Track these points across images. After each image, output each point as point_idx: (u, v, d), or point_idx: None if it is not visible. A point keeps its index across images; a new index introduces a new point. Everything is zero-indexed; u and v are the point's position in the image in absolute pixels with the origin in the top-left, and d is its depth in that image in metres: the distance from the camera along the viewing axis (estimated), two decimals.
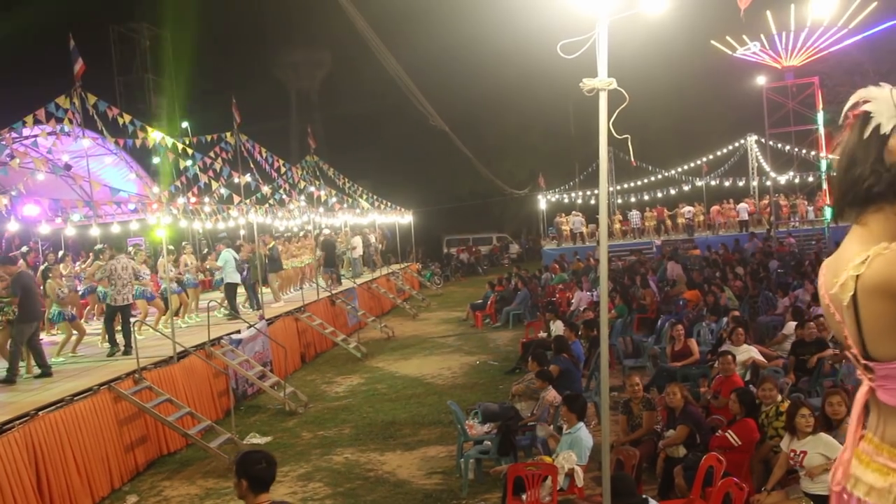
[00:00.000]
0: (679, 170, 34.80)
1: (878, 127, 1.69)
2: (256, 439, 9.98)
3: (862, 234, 1.71)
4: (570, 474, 6.55)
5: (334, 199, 24.21)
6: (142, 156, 18.81)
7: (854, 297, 1.64)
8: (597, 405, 9.38)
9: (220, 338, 11.99)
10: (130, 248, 14.95)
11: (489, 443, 8.02)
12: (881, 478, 1.76)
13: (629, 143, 4.51)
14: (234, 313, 14.30)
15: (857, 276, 1.63)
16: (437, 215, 39.43)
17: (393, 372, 14.18)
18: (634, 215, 33.65)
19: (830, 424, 6.04)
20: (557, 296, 18.02)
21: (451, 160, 32.93)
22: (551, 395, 8.19)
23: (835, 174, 1.78)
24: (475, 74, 38.07)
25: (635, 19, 5.48)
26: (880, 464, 1.78)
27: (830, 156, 27.94)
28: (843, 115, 1.81)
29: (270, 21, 45.18)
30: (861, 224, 1.72)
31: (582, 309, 15.14)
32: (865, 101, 1.74)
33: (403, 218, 31.57)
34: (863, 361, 1.73)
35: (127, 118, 13.78)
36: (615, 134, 4.46)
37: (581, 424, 6.88)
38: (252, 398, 12.26)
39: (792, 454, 6.01)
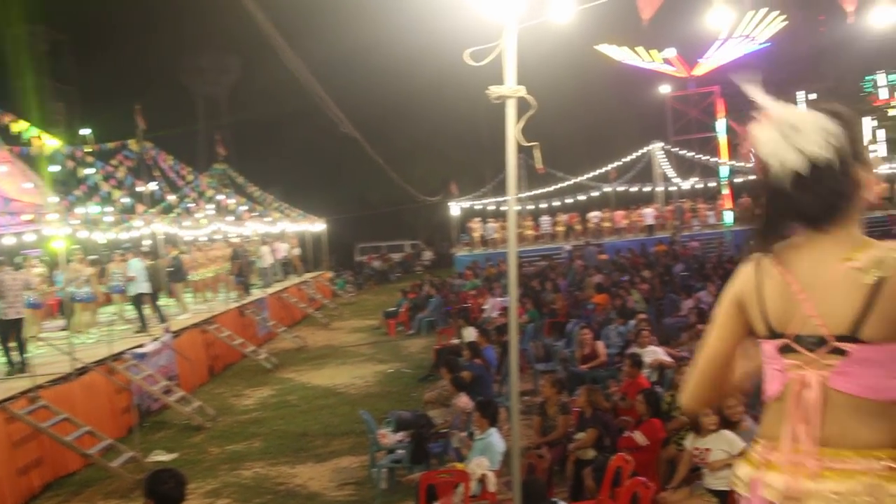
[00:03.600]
0: (588, 176, 35.53)
1: (792, 171, 1.81)
2: (161, 456, 9.64)
3: (835, 235, 1.82)
4: (483, 480, 6.55)
5: (244, 208, 23.73)
6: (38, 164, 18.00)
7: (882, 280, 1.71)
8: (509, 410, 9.43)
9: (123, 352, 11.54)
10: (19, 258, 14.22)
11: (402, 451, 7.96)
12: (842, 483, 1.75)
13: (537, 151, 4.54)
14: (143, 325, 13.81)
15: None
16: (349, 223, 39.12)
17: (304, 383, 13.96)
18: (545, 221, 34.18)
19: (730, 424, 6.22)
20: (470, 302, 18.11)
21: (362, 167, 32.70)
22: (463, 401, 8.19)
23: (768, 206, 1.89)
24: (386, 80, 37.97)
25: (543, 27, 5.56)
26: (835, 469, 1.77)
27: (732, 163, 29.06)
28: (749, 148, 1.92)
29: (175, 25, 44.02)
30: (823, 231, 1.83)
31: (494, 314, 15.25)
32: (759, 145, 1.87)
33: (315, 226, 31.20)
34: (835, 344, 1.76)
35: (23, 125, 13.14)
36: (523, 141, 4.48)
37: (493, 430, 6.91)
38: (157, 414, 11.85)
39: (696, 452, 6.18)
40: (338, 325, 21.87)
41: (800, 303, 1.81)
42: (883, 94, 30.29)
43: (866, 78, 29.85)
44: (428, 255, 41.83)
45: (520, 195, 34.45)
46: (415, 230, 44.70)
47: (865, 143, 1.88)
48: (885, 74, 30.14)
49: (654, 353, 9.48)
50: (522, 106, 4.53)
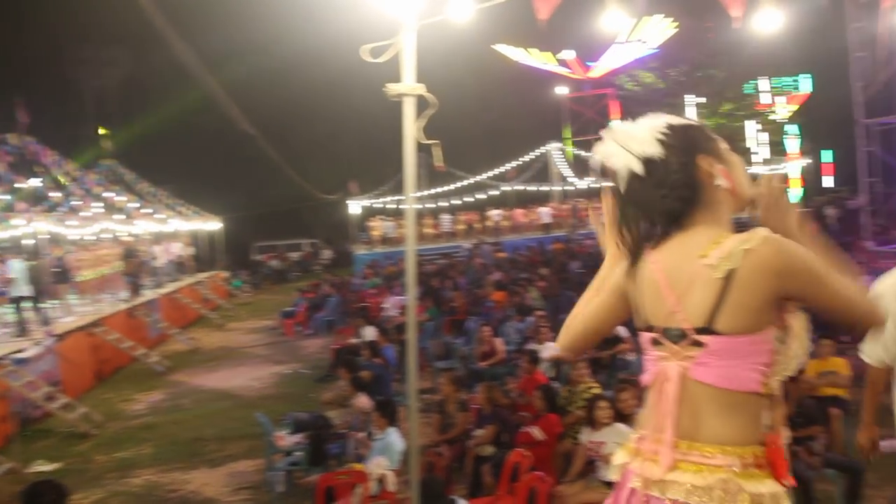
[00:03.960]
0: (487, 175, 35.92)
1: (635, 174, 1.92)
2: (43, 467, 9.16)
3: (698, 230, 1.90)
4: (382, 480, 6.51)
5: (134, 206, 22.86)
6: None
7: (732, 272, 1.78)
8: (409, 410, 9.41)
9: (1, 358, 10.92)
10: None
11: (300, 453, 7.83)
12: (698, 476, 1.80)
13: (437, 149, 4.53)
14: (22, 329, 13.10)
15: (748, 249, 1.78)
16: (245, 221, 38.22)
17: (198, 386, 13.56)
18: (445, 219, 34.37)
19: (624, 417, 6.38)
20: (369, 301, 18.01)
21: (259, 164, 32.06)
22: (362, 401, 8.12)
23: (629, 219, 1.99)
24: (283, 75, 37.30)
25: (442, 25, 5.55)
26: (693, 462, 1.82)
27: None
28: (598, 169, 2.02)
29: (62, 15, 41.99)
30: (686, 227, 1.91)
31: (394, 313, 15.21)
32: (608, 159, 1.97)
33: (209, 224, 30.36)
34: (695, 336, 1.82)
35: None
36: (424, 139, 4.46)
37: (392, 429, 6.87)
38: (39, 422, 11.25)
39: (591, 445, 6.32)
40: (234, 326, 21.36)
41: (665, 297, 1.89)
42: (765, 98, 31.73)
43: (750, 83, 31.19)
44: (327, 253, 41.35)
45: (420, 194, 34.68)
46: (314, 229, 44.11)
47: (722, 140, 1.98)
48: (767, 80, 31.60)
49: (552, 349, 9.63)
50: (422, 104, 4.51)
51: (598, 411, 6.37)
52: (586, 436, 6.45)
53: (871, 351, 3.51)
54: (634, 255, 1.97)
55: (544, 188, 35.65)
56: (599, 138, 2.04)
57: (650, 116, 1.97)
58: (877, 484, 6.36)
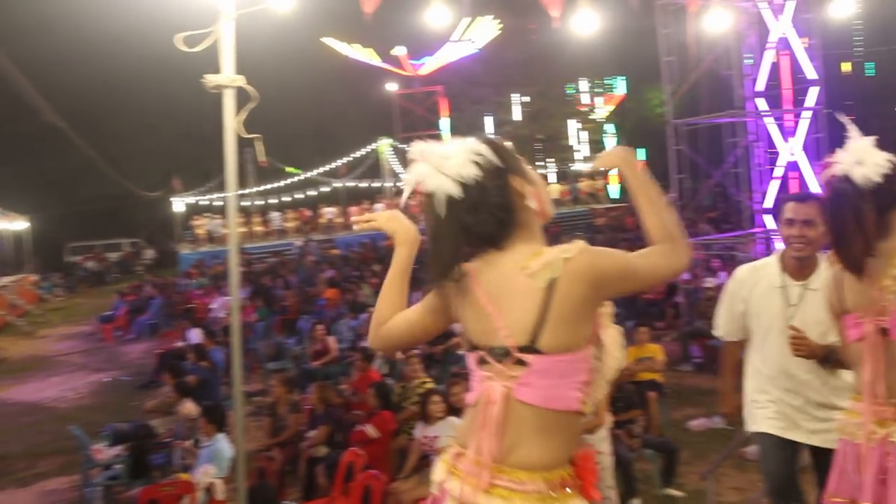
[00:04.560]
0: (318, 171, 35.46)
1: (450, 197, 1.89)
2: None
3: (514, 247, 1.90)
4: (210, 489, 6.23)
5: None
6: None
7: (553, 281, 1.79)
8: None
9: None
10: None
11: (120, 466, 7.37)
12: (509, 501, 1.79)
13: (259, 144, 4.36)
14: None
15: (567, 258, 1.81)
16: (57, 220, 35.57)
17: (3, 399, 12.48)
18: (275, 216, 33.62)
19: (456, 411, 6.46)
20: (196, 302, 17.29)
21: (72, 158, 29.92)
22: (188, 407, 7.76)
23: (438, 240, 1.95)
24: (98, 62, 34.94)
25: (265, 15, 5.36)
26: (504, 487, 1.81)
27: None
28: (410, 191, 2.00)
29: None
30: (503, 248, 1.91)
31: (222, 314, 14.67)
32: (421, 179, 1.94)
33: (14, 224, 28.08)
34: (517, 355, 1.80)
35: None
36: (244, 133, 4.28)
37: (221, 435, 6.60)
38: None
39: (425, 440, 6.35)
40: (45, 333, 19.85)
41: (489, 315, 1.86)
42: (585, 98, 33.32)
43: (570, 84, 32.64)
44: (149, 253, 39.29)
45: (248, 190, 33.73)
46: (134, 227, 41.74)
47: (527, 160, 2.03)
48: (586, 81, 33.16)
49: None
50: (245, 97, 4.33)
51: (432, 406, 6.41)
52: (420, 431, 6.48)
53: (725, 327, 3.72)
54: (450, 274, 1.92)
55: (376, 184, 35.68)
56: (428, 136, 2.01)
57: (460, 139, 1.96)
58: (689, 461, 6.81)
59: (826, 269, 3.50)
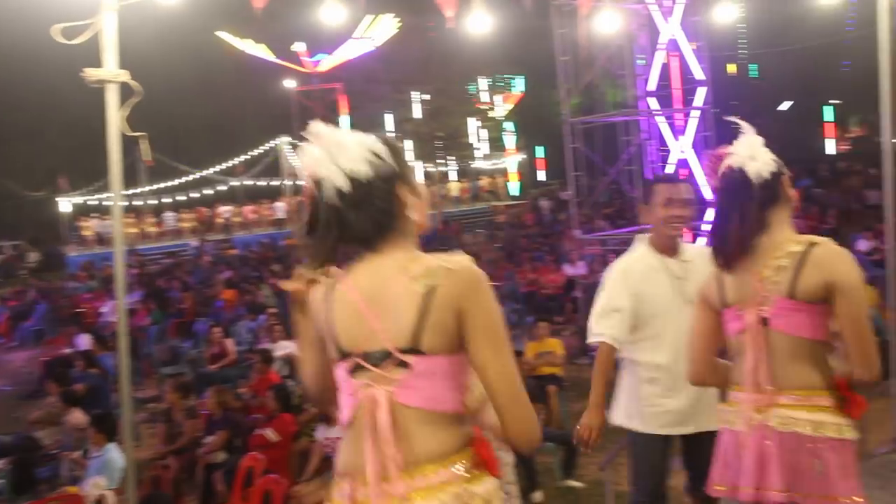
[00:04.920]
0: (214, 169, 34.57)
1: (338, 188, 1.83)
2: None
3: (390, 253, 1.86)
4: (101, 501, 5.97)
5: None
6: None
7: (433, 288, 1.76)
8: (132, 421, 8.77)
9: None
10: None
11: (2, 481, 6.99)
12: (432, 499, 1.75)
13: (144, 142, 4.19)
14: None
15: (450, 269, 1.78)
16: None
17: None
18: (170, 216, 32.61)
19: None
20: (84, 306, 16.56)
21: None
22: (76, 417, 7.43)
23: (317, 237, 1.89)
24: None
25: (151, 8, 5.15)
26: (421, 488, 1.76)
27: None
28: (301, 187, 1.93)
29: None
30: (378, 252, 1.86)
31: (113, 318, 14.11)
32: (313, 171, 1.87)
33: None
34: (399, 356, 1.76)
35: None
36: (128, 131, 4.10)
37: (111, 445, 6.32)
38: None
39: (327, 442, 6.26)
40: None
41: (366, 318, 1.81)
42: (484, 97, 33.68)
43: (470, 82, 32.92)
44: (34, 256, 37.37)
45: (139, 189, 32.56)
46: (17, 229, 39.66)
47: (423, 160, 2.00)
48: (485, 79, 33.51)
49: (286, 347, 9.45)
50: (130, 92, 4.14)
51: (332, 406, 6.32)
52: (322, 433, 6.40)
53: (611, 329, 3.43)
54: (319, 273, 1.87)
55: (275, 183, 35.06)
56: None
57: (360, 132, 1.91)
58: (589, 452, 6.94)
59: (691, 245, 3.63)
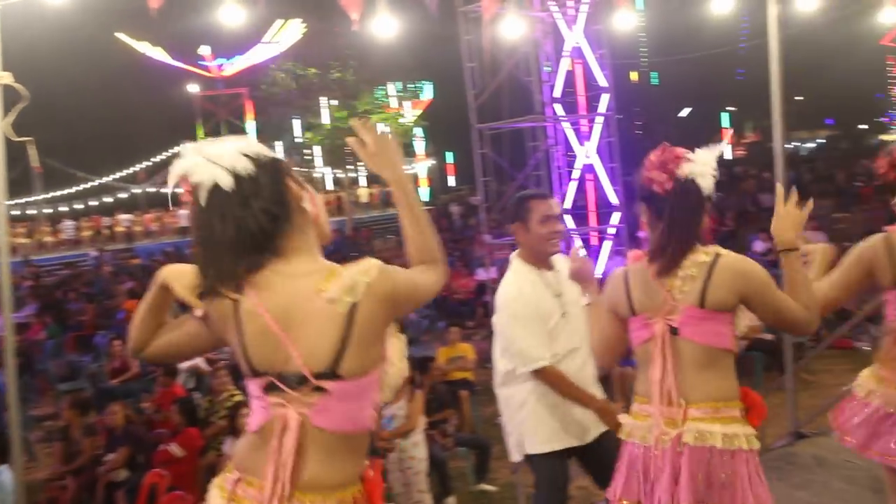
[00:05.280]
0: (114, 177, 33.43)
1: (221, 189, 1.76)
2: None
3: (299, 262, 1.80)
4: None
5: None
6: None
7: (354, 305, 1.73)
8: (27, 440, 8.36)
9: None
10: None
11: None
12: None
13: (32, 148, 3.99)
14: None
15: (369, 283, 1.75)
16: None
17: None
18: (68, 225, 31.32)
19: None
20: None
21: None
22: None
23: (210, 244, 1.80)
24: None
25: (38, 8, 4.91)
26: None
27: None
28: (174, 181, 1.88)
29: None
30: (280, 255, 1.79)
31: (2, 333, 13.42)
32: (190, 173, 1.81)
33: None
34: (316, 382, 1.71)
35: None
36: (13, 136, 3.89)
37: (3, 467, 6.00)
38: None
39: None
40: None
41: (280, 341, 1.75)
42: (393, 102, 33.62)
43: (379, 88, 32.79)
44: None
45: (35, 198, 31.17)
46: None
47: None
48: (394, 85, 33.46)
49: (191, 360, 9.18)
50: (15, 96, 3.93)
51: (242, 419, 6.16)
52: (230, 446, 6.22)
53: (545, 351, 3.35)
54: (229, 282, 1.78)
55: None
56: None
57: (234, 137, 1.87)
58: (501, 455, 6.96)
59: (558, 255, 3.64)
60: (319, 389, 1.74)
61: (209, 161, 1.78)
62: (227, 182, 1.76)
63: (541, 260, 3.46)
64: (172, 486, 5.80)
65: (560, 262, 3.54)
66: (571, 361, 3.38)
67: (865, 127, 43.27)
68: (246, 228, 1.76)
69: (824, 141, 47.62)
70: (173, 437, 6.64)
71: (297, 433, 1.74)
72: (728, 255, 2.35)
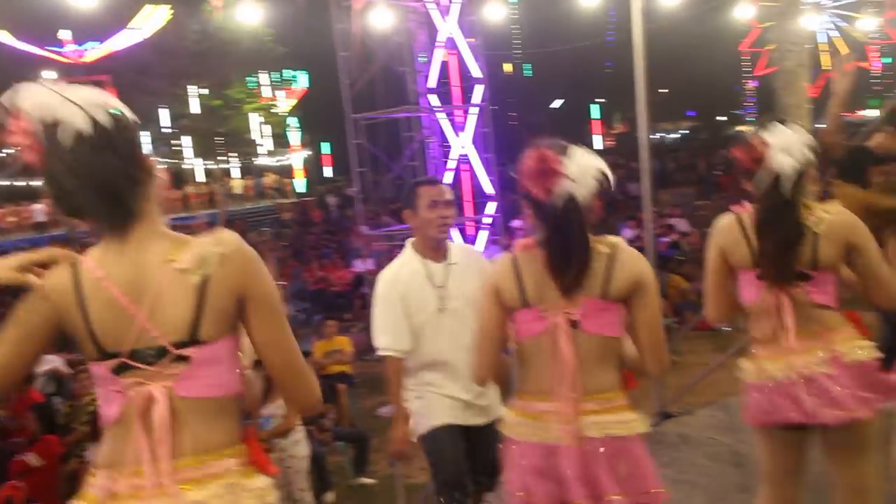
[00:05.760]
0: None
1: (79, 133, 1.62)
2: None
3: (144, 234, 1.70)
4: None
5: None
6: None
7: (207, 277, 1.67)
8: None
9: None
10: None
11: None
12: (202, 490, 1.68)
13: None
14: None
15: (223, 254, 1.68)
16: None
17: None
18: None
19: None
20: None
21: None
22: None
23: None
24: None
25: None
26: (190, 479, 1.68)
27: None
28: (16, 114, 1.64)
29: None
30: (124, 229, 1.68)
31: None
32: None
33: None
34: (177, 352, 1.65)
35: None
36: None
37: None
38: None
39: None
40: None
41: (131, 315, 1.66)
42: (266, 92, 32.89)
43: (251, 76, 31.99)
44: None
45: None
46: None
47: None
48: (267, 74, 32.72)
49: (49, 362, 8.65)
50: None
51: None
52: (94, 453, 5.90)
53: (394, 339, 3.42)
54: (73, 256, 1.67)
55: (35, 183, 32.22)
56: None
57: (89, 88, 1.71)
58: (381, 447, 6.95)
59: (457, 245, 3.64)
60: (180, 359, 1.68)
61: (67, 100, 1.62)
62: (84, 126, 1.62)
63: (431, 247, 3.46)
64: (30, 498, 5.50)
65: (459, 253, 3.54)
66: (464, 357, 3.36)
67: (724, 119, 45.60)
68: (97, 177, 1.64)
69: (687, 132, 49.94)
70: (30, 446, 6.25)
71: (165, 404, 1.67)
72: (623, 246, 2.34)
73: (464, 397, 3.42)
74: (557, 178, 2.23)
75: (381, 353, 3.47)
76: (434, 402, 3.45)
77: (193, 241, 1.72)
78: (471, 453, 3.51)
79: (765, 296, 2.64)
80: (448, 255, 3.50)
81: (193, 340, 1.68)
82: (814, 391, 2.54)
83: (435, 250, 3.47)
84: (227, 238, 1.74)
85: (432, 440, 3.47)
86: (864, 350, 2.60)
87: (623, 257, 2.32)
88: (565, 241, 2.27)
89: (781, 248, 2.61)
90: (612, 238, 2.38)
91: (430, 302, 3.42)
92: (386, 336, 3.43)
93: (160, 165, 1.81)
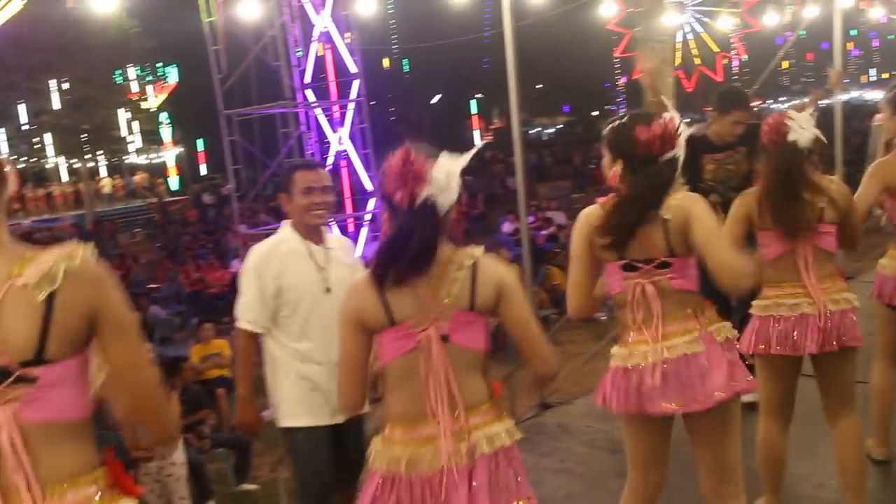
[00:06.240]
0: None
1: None
2: None
3: None
4: None
5: None
6: None
7: (53, 293, 1.56)
8: None
9: None
10: None
11: None
12: None
13: None
14: None
15: (69, 270, 1.58)
16: None
17: None
18: None
19: None
20: None
21: None
22: None
23: None
24: None
25: None
26: None
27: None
28: None
29: None
30: None
31: None
32: None
33: None
34: (21, 372, 1.54)
35: None
36: None
37: None
38: None
39: None
40: None
41: None
42: (134, 87, 31.54)
43: (118, 71, 30.57)
44: None
45: None
46: None
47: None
48: (135, 68, 31.37)
49: None
50: None
51: None
52: None
53: (255, 314, 3.29)
54: None
55: None
56: None
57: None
58: (263, 452, 6.79)
59: (332, 235, 3.58)
60: (25, 380, 1.56)
61: None
62: None
63: (308, 233, 3.34)
64: None
65: (335, 242, 3.47)
66: (316, 339, 3.28)
67: (597, 114, 47.05)
68: None
69: (563, 126, 51.29)
70: None
71: (10, 431, 1.55)
72: (484, 256, 2.29)
73: (334, 401, 3.29)
74: (422, 183, 2.16)
75: (239, 324, 3.31)
76: (306, 399, 3.32)
77: (40, 254, 1.61)
78: (334, 451, 3.42)
79: (627, 285, 2.70)
80: (327, 240, 3.41)
81: (39, 360, 1.57)
82: (684, 373, 2.59)
83: (314, 234, 3.36)
84: (78, 252, 1.63)
85: (300, 442, 3.37)
86: (728, 330, 2.70)
87: (483, 267, 2.27)
88: (408, 243, 2.18)
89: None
90: (472, 249, 2.31)
91: (314, 282, 3.28)
92: (250, 310, 3.27)
93: (19, 165, 1.67)
